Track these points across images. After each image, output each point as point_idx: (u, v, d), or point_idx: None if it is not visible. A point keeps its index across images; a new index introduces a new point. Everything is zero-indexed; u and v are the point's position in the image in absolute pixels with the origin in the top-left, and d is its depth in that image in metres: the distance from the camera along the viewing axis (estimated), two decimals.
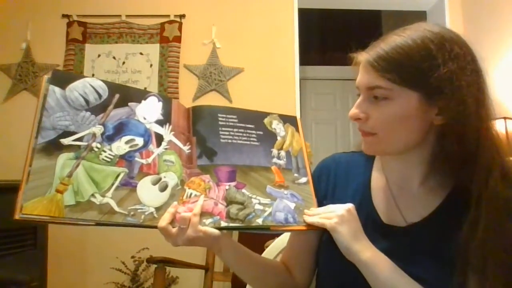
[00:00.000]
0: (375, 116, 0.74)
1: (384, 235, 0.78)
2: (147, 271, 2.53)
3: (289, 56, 2.85)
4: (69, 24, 2.82)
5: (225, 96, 2.77)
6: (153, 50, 2.80)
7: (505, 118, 2.25)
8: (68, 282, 2.60)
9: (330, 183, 0.88)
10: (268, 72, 2.83)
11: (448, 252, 0.72)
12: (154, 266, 2.06)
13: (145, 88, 2.67)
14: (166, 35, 2.81)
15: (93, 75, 2.75)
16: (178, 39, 2.81)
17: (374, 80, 0.73)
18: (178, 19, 2.83)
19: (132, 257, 2.52)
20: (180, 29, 2.82)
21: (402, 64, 0.71)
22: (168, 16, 2.83)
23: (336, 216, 0.75)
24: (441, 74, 0.69)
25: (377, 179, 0.85)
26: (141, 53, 2.80)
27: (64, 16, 2.82)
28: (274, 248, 1.07)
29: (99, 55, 2.79)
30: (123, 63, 2.79)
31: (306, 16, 3.22)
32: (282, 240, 1.06)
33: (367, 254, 0.73)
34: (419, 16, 3.11)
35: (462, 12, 2.90)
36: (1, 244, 1.95)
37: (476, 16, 2.76)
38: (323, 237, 0.86)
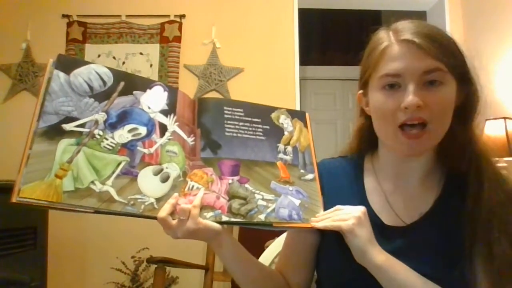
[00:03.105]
0: (432, 102, 0.71)
1: (387, 237, 0.77)
2: (147, 271, 2.53)
3: (289, 56, 2.85)
4: (69, 24, 2.82)
5: (225, 96, 2.77)
6: (153, 50, 2.80)
7: (505, 118, 2.25)
8: (68, 282, 2.60)
9: (323, 188, 0.86)
10: (268, 72, 2.83)
11: (451, 244, 0.73)
12: (154, 266, 2.06)
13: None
14: (166, 35, 2.81)
15: None
16: (178, 39, 2.81)
17: (433, 62, 0.71)
18: (178, 19, 2.83)
19: (132, 257, 2.52)
20: (180, 29, 2.82)
21: (451, 52, 0.73)
22: (168, 16, 2.83)
23: (353, 217, 0.73)
24: (469, 66, 0.76)
25: (369, 183, 0.85)
26: (141, 53, 2.80)
27: (64, 16, 2.82)
28: (274, 248, 1.07)
29: (99, 55, 2.79)
30: (123, 63, 2.79)
31: (306, 16, 3.22)
32: (283, 240, 1.06)
33: (381, 257, 0.72)
34: (419, 16, 3.10)
35: (462, 13, 2.90)
36: (1, 244, 1.95)
37: (476, 17, 2.76)
38: (324, 246, 0.85)
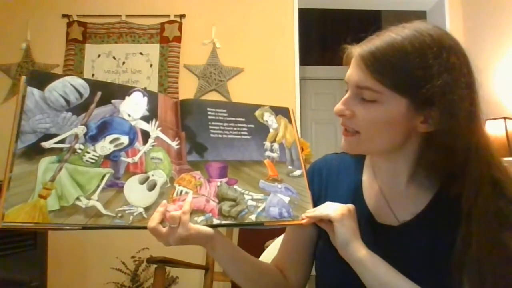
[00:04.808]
0: (361, 115, 0.72)
1: (378, 235, 0.77)
2: (147, 271, 2.53)
3: (289, 56, 2.85)
4: (69, 24, 2.82)
5: (225, 96, 2.77)
6: (153, 50, 2.80)
7: (505, 118, 2.25)
8: (68, 282, 2.61)
9: (322, 184, 0.88)
10: (268, 72, 2.83)
11: (441, 249, 0.72)
12: (154, 266, 2.05)
13: (145, 88, 2.68)
14: (166, 35, 2.81)
15: (93, 75, 2.75)
16: (178, 39, 2.81)
17: (365, 80, 0.70)
18: (178, 19, 2.83)
19: (132, 257, 2.52)
20: (180, 29, 2.82)
21: (396, 68, 0.68)
22: (168, 16, 2.83)
23: (341, 209, 0.74)
24: (435, 85, 0.66)
25: (368, 179, 0.85)
26: (141, 53, 2.80)
27: (64, 16, 2.82)
28: (274, 248, 1.07)
29: (99, 55, 2.79)
30: (123, 63, 2.79)
31: (306, 16, 3.22)
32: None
33: (363, 251, 0.72)
34: (419, 16, 3.11)
35: (462, 12, 2.89)
36: (1, 244, 1.95)
37: (476, 16, 2.76)
38: (319, 243, 0.85)
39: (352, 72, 0.73)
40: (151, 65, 2.79)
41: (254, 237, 1.11)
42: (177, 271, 2.54)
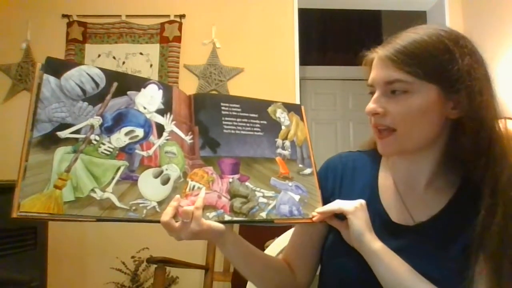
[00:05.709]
0: (395, 110, 0.74)
1: (393, 234, 0.78)
2: (147, 271, 2.53)
3: (289, 56, 2.85)
4: (69, 24, 2.82)
5: None
6: (153, 50, 2.80)
7: (505, 118, 2.25)
8: (68, 282, 2.60)
9: (336, 181, 0.88)
10: (268, 72, 2.83)
11: (456, 250, 0.73)
12: (154, 266, 2.06)
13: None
14: (166, 35, 2.81)
15: None
16: (178, 39, 2.81)
17: (393, 73, 0.73)
18: (178, 19, 2.83)
19: (132, 257, 2.52)
20: (180, 29, 2.82)
21: (422, 57, 0.72)
22: (168, 16, 2.83)
23: (353, 202, 0.76)
24: (460, 67, 0.71)
25: (384, 178, 0.86)
26: (141, 53, 2.80)
27: (64, 16, 2.82)
28: (274, 248, 1.07)
29: (99, 55, 2.79)
30: (123, 63, 2.79)
31: (306, 16, 3.22)
32: (282, 240, 1.06)
33: (378, 244, 0.74)
34: (419, 16, 3.11)
35: (462, 12, 2.90)
36: (1, 244, 1.95)
37: (476, 17, 2.76)
38: (330, 237, 0.86)
39: (378, 72, 0.76)
40: (151, 65, 2.79)
41: (254, 236, 1.11)
42: (177, 271, 2.54)
